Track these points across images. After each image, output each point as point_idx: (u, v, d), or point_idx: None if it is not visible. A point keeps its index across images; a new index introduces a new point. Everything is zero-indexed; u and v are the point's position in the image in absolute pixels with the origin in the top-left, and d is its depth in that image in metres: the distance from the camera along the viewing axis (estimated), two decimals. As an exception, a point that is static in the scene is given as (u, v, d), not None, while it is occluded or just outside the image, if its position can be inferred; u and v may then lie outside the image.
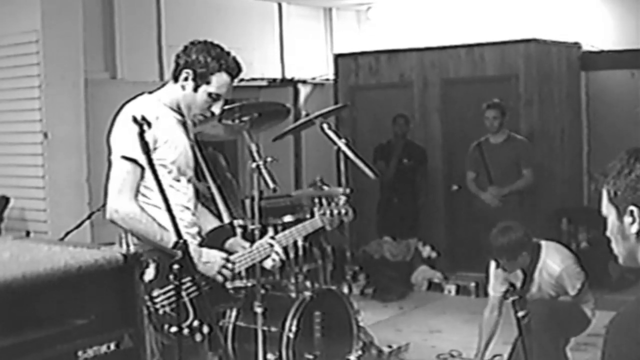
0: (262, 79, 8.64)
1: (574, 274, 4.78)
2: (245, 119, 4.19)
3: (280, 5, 8.99)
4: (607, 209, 1.89)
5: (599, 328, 6.03)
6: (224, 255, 3.33)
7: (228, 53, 3.33)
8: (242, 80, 8.92)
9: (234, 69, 3.32)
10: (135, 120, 2.88)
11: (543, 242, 4.82)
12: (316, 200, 4.01)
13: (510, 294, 4.31)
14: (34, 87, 6.27)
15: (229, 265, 3.31)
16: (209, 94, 3.27)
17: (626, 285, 7.23)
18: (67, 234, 5.61)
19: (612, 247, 1.92)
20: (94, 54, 7.00)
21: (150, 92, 3.35)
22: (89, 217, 5.85)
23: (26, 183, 6.38)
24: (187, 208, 3.34)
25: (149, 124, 2.92)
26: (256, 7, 8.72)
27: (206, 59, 3.24)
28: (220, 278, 3.29)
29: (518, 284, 4.71)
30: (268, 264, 3.59)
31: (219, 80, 3.27)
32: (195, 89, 3.26)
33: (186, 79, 3.26)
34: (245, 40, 8.53)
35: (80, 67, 6.46)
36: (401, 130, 7.94)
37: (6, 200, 6.24)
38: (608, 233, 1.91)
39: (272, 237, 3.66)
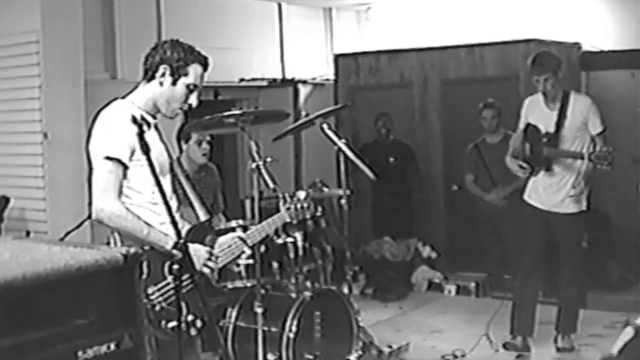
0: (262, 79, 8.64)
1: (598, 110, 5.35)
2: (244, 118, 4.19)
3: (280, 6, 8.98)
4: None
5: (599, 328, 6.06)
6: (208, 249, 3.45)
7: (194, 48, 3.46)
8: (242, 80, 9.02)
9: (204, 60, 3.45)
10: (134, 120, 2.92)
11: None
12: (280, 195, 4.23)
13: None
14: (34, 87, 6.27)
15: (213, 258, 3.44)
16: (187, 86, 3.38)
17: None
18: (67, 234, 5.60)
19: None
20: (94, 54, 7.00)
21: (122, 97, 3.42)
22: (89, 217, 5.78)
23: (26, 183, 6.38)
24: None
25: (149, 125, 2.98)
26: (256, 7, 8.72)
27: (180, 53, 3.37)
28: (206, 271, 3.41)
29: (552, 126, 5.29)
30: (241, 260, 3.77)
31: (195, 71, 3.40)
32: (174, 83, 3.37)
33: (163, 74, 3.36)
34: (245, 40, 8.53)
35: (80, 67, 6.45)
36: (385, 128, 7.93)
37: (6, 200, 6.24)
38: None
39: (243, 232, 3.82)
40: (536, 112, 5.42)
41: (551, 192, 5.37)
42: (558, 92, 5.34)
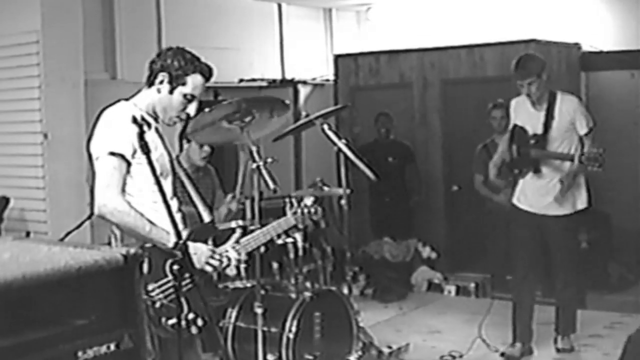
0: (262, 80, 8.64)
1: (585, 110, 5.36)
2: (246, 119, 4.17)
3: (280, 6, 8.99)
4: None
5: (599, 329, 6.06)
6: (210, 247, 3.45)
7: (199, 58, 3.44)
8: (242, 80, 9.02)
9: (207, 71, 3.44)
10: (135, 120, 2.93)
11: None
12: (287, 200, 4.26)
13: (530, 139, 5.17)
14: (34, 87, 6.27)
15: (216, 256, 3.44)
16: (184, 95, 3.38)
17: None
18: (67, 234, 5.60)
19: None
20: (94, 54, 7.00)
21: (126, 99, 3.42)
22: (89, 217, 5.83)
23: (26, 183, 6.38)
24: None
25: (149, 125, 2.99)
26: (256, 8, 8.72)
27: (180, 62, 3.36)
28: (208, 269, 3.41)
29: (540, 128, 5.23)
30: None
31: (194, 82, 3.38)
32: (171, 91, 3.37)
33: (162, 82, 3.37)
34: (245, 40, 8.53)
35: (80, 68, 6.46)
36: (384, 128, 7.94)
37: (6, 200, 6.24)
38: None
39: (237, 241, 3.78)
40: (523, 113, 5.36)
41: (540, 195, 5.30)
42: (544, 93, 5.25)
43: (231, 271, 3.75)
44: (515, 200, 5.44)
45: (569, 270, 5.43)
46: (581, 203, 5.35)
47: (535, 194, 5.32)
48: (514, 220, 5.51)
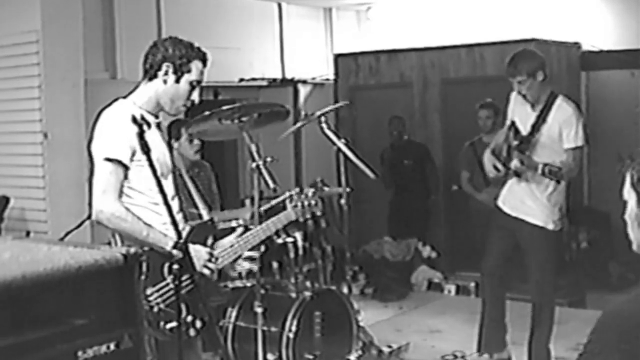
0: (262, 79, 8.64)
1: (581, 121, 4.85)
2: (244, 119, 4.18)
3: (280, 5, 8.99)
4: (628, 194, 1.89)
5: (599, 328, 6.04)
6: (208, 250, 3.44)
7: (194, 44, 3.45)
8: (242, 80, 9.01)
9: (205, 56, 3.44)
10: (134, 120, 2.92)
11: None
12: (287, 194, 4.20)
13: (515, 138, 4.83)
14: (34, 87, 6.27)
15: (214, 259, 3.43)
16: (191, 82, 3.38)
17: (626, 285, 7.23)
18: (67, 234, 5.60)
19: (628, 231, 1.91)
20: (94, 54, 7.00)
21: (124, 97, 3.41)
22: (89, 217, 5.79)
23: (26, 183, 6.38)
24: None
25: (149, 125, 2.98)
26: (256, 7, 8.72)
27: (182, 50, 3.37)
28: (206, 272, 3.39)
29: (529, 125, 4.86)
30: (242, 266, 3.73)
31: (197, 67, 3.40)
32: (178, 80, 3.36)
33: (167, 72, 3.35)
34: (245, 40, 8.54)
35: (80, 67, 6.46)
36: (397, 130, 7.95)
37: (6, 200, 6.24)
38: (626, 216, 1.90)
39: (242, 232, 3.79)
40: (519, 110, 4.99)
41: (519, 200, 4.97)
42: (541, 94, 4.84)
43: (235, 271, 3.75)
44: (499, 202, 5.14)
45: (543, 295, 4.97)
46: (558, 226, 4.98)
47: (515, 198, 5.01)
48: (494, 220, 5.22)
